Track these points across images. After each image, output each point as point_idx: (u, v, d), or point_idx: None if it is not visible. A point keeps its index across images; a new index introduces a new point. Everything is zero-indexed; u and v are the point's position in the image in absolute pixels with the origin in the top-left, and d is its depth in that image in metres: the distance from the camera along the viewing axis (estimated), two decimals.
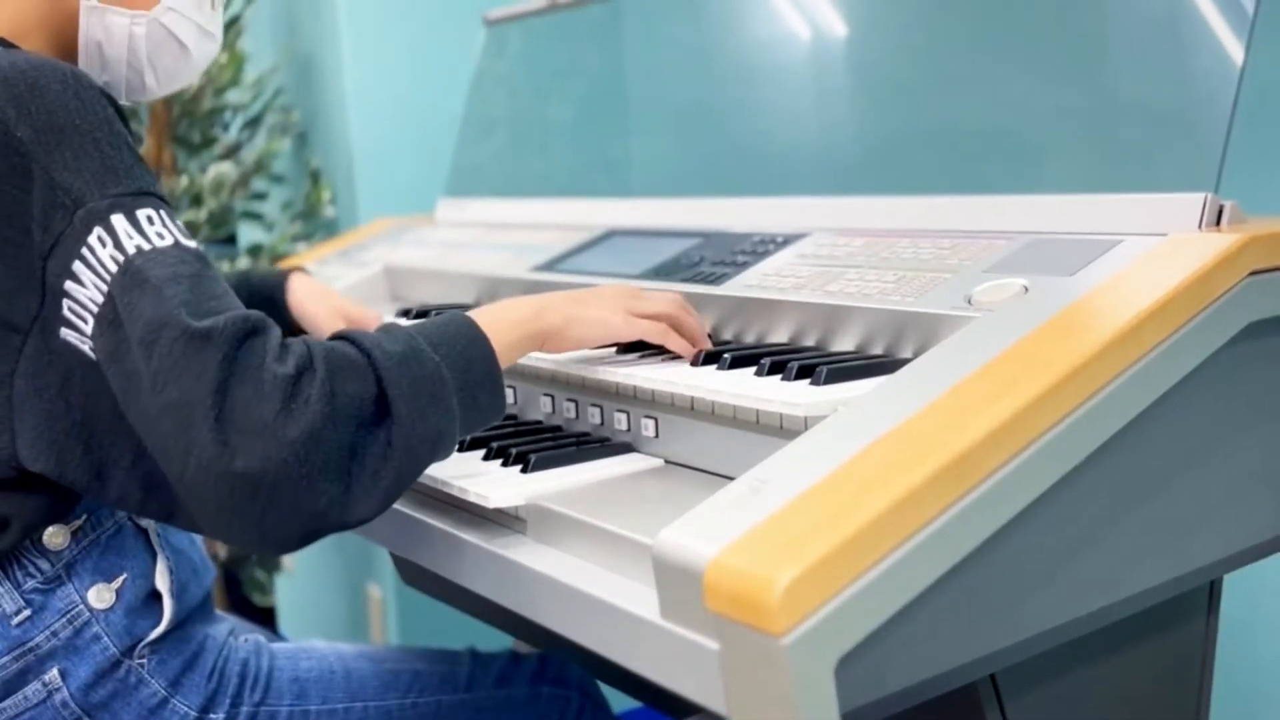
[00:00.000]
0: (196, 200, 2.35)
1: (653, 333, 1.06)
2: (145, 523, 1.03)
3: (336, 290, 1.70)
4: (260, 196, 2.52)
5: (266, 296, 1.35)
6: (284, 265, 1.69)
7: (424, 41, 2.35)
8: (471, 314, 0.95)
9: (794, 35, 1.50)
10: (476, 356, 0.90)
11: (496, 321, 0.95)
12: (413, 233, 1.87)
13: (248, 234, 2.65)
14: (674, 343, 1.07)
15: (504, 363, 0.93)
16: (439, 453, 0.87)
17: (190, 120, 2.40)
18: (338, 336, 0.86)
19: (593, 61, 1.84)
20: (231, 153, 2.46)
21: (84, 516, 0.98)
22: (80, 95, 0.86)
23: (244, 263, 2.43)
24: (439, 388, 0.85)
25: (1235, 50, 1.03)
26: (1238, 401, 0.96)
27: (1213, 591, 1.11)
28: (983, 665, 0.81)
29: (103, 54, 1.04)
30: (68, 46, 1.03)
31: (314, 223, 2.44)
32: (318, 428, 0.77)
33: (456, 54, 2.24)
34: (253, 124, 2.51)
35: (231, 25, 2.40)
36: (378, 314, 1.40)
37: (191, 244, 0.85)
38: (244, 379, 0.76)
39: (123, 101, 1.08)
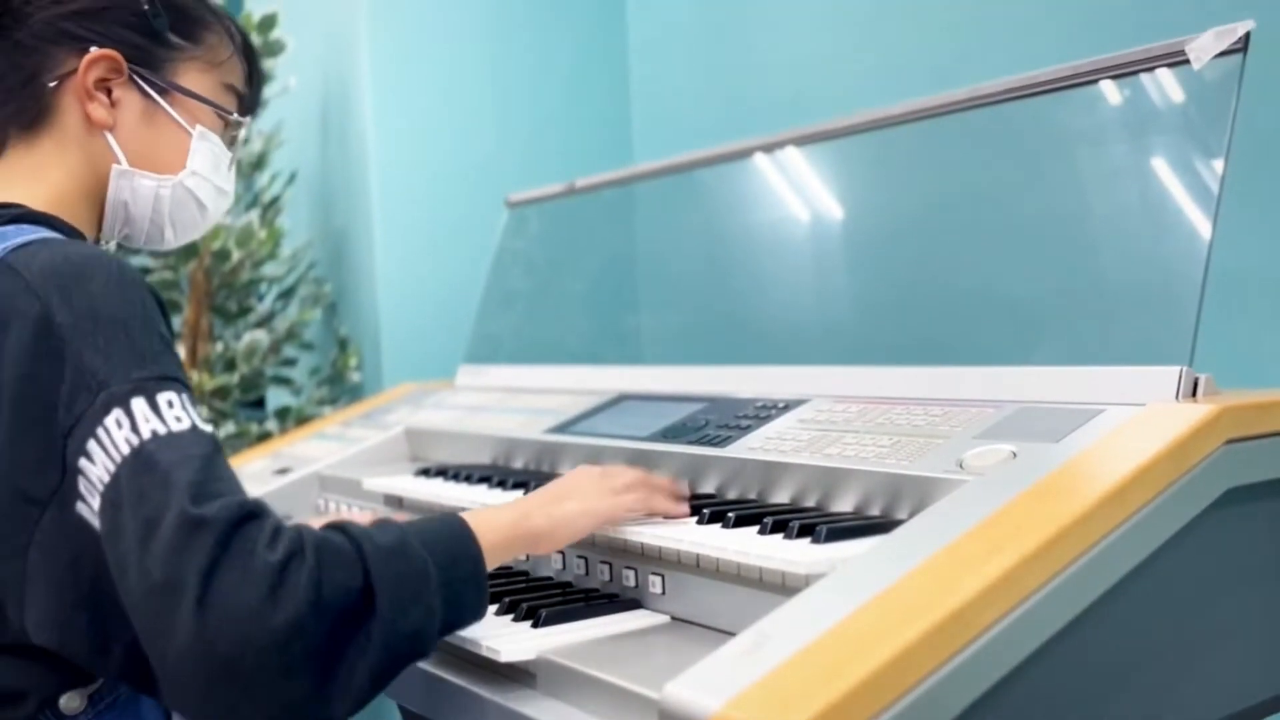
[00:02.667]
0: (230, 366, 2.40)
1: (636, 505, 1.07)
2: None
3: (358, 451, 1.72)
4: (290, 362, 2.56)
5: None
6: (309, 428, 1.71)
7: (450, 220, 2.44)
8: (464, 515, 0.95)
9: (794, 217, 1.56)
10: (463, 556, 0.90)
11: (485, 524, 0.95)
12: (434, 396, 1.90)
13: (276, 398, 2.68)
14: (659, 505, 1.09)
15: (491, 564, 0.93)
16: (416, 651, 0.85)
17: (229, 291, 2.47)
18: (331, 526, 0.85)
19: (606, 239, 1.90)
20: (265, 321, 2.51)
21: (100, 680, 0.94)
22: (123, 287, 0.88)
23: (272, 425, 2.46)
24: (423, 585, 0.85)
25: (1203, 228, 1.07)
26: (1222, 564, 0.96)
27: None
28: None
29: (128, 211, 1.08)
30: (102, 207, 1.07)
31: (340, 387, 2.48)
32: (302, 617, 0.76)
33: (479, 232, 2.32)
34: (286, 295, 2.57)
35: (272, 204, 2.49)
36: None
37: (207, 429, 0.85)
38: (233, 564, 0.75)
39: (140, 246, 1.13)
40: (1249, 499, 0.97)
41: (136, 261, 2.35)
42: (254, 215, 2.41)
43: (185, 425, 0.83)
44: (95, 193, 1.06)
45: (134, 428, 0.81)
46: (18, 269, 0.88)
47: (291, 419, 2.44)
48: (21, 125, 1.03)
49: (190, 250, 2.34)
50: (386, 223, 2.40)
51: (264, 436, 2.40)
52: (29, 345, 0.85)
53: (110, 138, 1.05)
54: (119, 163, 1.05)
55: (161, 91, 1.07)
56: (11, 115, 1.03)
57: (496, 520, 0.97)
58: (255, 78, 1.17)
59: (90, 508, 0.83)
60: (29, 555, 0.86)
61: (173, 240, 1.13)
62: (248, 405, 2.67)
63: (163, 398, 0.83)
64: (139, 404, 0.82)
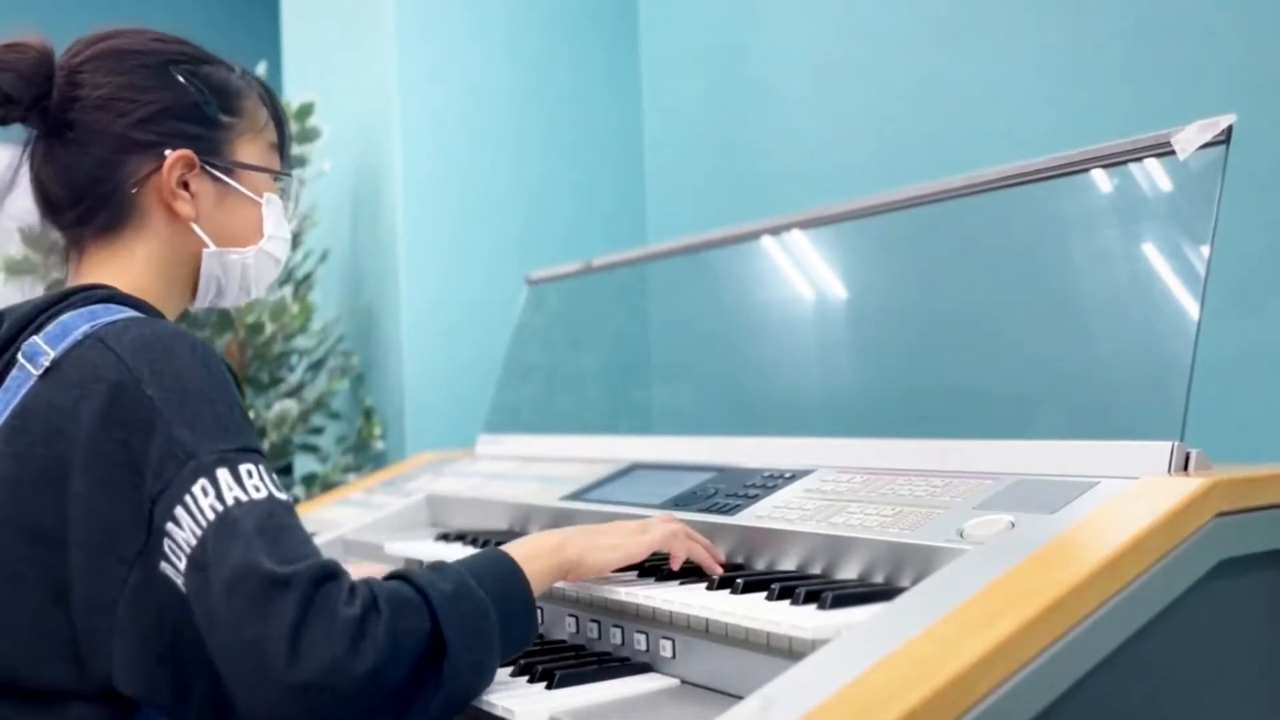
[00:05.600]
0: (260, 434, 2.40)
1: (669, 541, 1.10)
2: None
3: (381, 517, 1.72)
4: (318, 431, 2.57)
5: None
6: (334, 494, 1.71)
7: (472, 297, 2.46)
8: (505, 548, 0.99)
9: (799, 296, 1.57)
10: (514, 590, 0.95)
11: (528, 556, 0.99)
12: (454, 465, 1.90)
13: (303, 465, 2.69)
14: (696, 550, 1.11)
15: (535, 592, 0.97)
16: (482, 682, 0.90)
17: (261, 362, 2.49)
18: (394, 576, 0.89)
19: (621, 315, 1.92)
20: (295, 391, 2.52)
21: None
22: (206, 363, 0.92)
23: (299, 491, 2.46)
24: (485, 622, 0.89)
25: (1191, 309, 1.07)
26: (1215, 634, 0.95)
27: None
28: None
29: (220, 285, 1.12)
30: (182, 284, 1.10)
31: (364, 455, 2.48)
32: (381, 664, 0.80)
33: (500, 308, 2.34)
34: (316, 366, 2.59)
35: (304, 281, 2.52)
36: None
37: (283, 497, 0.88)
38: (317, 621, 0.79)
39: (228, 306, 1.16)
40: (1240, 571, 0.96)
41: None
42: (287, 291, 2.43)
43: (264, 494, 0.86)
44: (176, 273, 1.09)
45: (219, 496, 0.85)
46: (109, 344, 0.92)
47: (318, 485, 2.44)
48: (105, 227, 1.06)
49: (226, 323, 2.36)
50: (412, 299, 2.42)
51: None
52: (120, 414, 0.88)
53: (196, 226, 1.07)
54: (208, 246, 1.08)
55: (228, 172, 1.09)
56: (101, 224, 1.06)
57: (538, 550, 1.02)
58: (284, 127, 1.19)
59: (174, 567, 0.86)
60: (117, 610, 0.88)
61: (257, 294, 1.17)
62: (276, 472, 2.67)
63: (244, 468, 0.87)
64: (223, 474, 0.86)
